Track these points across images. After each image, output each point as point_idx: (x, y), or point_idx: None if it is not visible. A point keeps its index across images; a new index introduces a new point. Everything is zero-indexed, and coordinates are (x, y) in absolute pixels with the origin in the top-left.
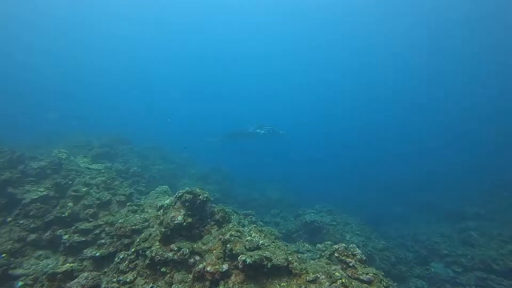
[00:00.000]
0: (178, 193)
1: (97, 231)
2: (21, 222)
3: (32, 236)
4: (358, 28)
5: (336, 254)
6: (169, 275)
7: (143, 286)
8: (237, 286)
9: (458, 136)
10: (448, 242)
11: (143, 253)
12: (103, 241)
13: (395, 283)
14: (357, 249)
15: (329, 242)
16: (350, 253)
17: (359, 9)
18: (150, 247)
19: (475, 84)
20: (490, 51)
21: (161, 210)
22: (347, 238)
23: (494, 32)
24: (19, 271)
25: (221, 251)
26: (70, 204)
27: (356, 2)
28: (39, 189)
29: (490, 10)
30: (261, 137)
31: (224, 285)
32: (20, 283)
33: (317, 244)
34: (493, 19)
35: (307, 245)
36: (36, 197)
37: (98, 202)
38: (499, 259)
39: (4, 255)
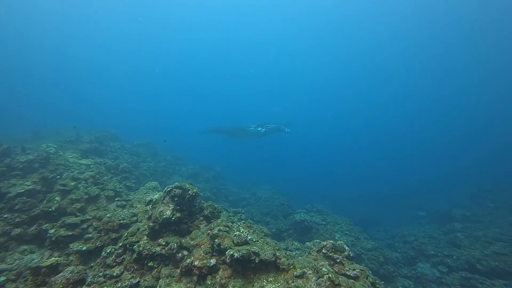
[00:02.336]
0: (168, 188)
1: (84, 226)
2: (5, 216)
3: (17, 231)
4: (361, 30)
5: (324, 251)
6: (156, 269)
7: (130, 280)
8: (224, 280)
9: (447, 141)
10: (435, 243)
11: (131, 247)
12: (90, 235)
13: (383, 282)
14: (344, 246)
15: (318, 240)
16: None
17: (362, 11)
18: (137, 242)
19: (468, 89)
20: (487, 57)
21: (150, 205)
22: (337, 238)
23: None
24: (1, 266)
25: (209, 246)
26: (57, 198)
27: (359, 4)
28: (26, 183)
29: (493, 12)
30: (262, 135)
31: (212, 279)
32: (2, 278)
33: (306, 243)
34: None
35: (296, 243)
36: (22, 191)
37: (86, 196)
38: (482, 260)
39: None
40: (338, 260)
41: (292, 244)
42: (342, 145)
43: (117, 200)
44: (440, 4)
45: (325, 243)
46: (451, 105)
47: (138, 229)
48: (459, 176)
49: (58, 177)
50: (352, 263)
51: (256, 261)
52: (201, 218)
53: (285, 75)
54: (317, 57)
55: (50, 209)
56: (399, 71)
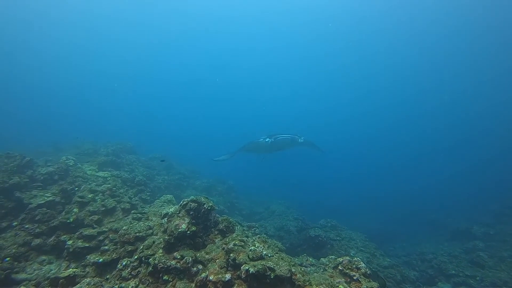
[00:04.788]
0: (183, 202)
1: (101, 238)
2: (26, 226)
3: (37, 241)
4: (366, 33)
5: (340, 267)
6: (171, 283)
7: None
8: None
9: (466, 153)
10: (455, 262)
11: (146, 260)
12: (106, 247)
13: None
14: (361, 262)
15: (333, 257)
16: (354, 266)
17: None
18: (153, 255)
19: (487, 91)
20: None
21: (165, 218)
22: (352, 254)
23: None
24: (22, 276)
25: (224, 260)
26: (76, 210)
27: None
28: (46, 194)
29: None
30: (270, 147)
31: None
32: None
33: (321, 259)
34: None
35: (310, 259)
36: (43, 202)
37: (103, 209)
38: (511, 282)
39: (8, 259)
40: (355, 278)
41: (307, 260)
42: (356, 158)
43: (133, 213)
44: (442, 8)
45: (341, 259)
46: (474, 115)
47: (154, 242)
48: (479, 191)
49: (76, 189)
50: (370, 281)
51: (272, 277)
52: (216, 232)
53: (292, 82)
54: (327, 63)
55: (68, 221)
56: (409, 78)
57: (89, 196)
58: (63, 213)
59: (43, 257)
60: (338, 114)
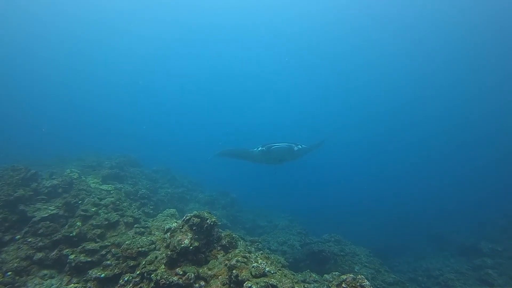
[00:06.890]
0: (186, 217)
1: (103, 252)
2: (29, 240)
3: (39, 255)
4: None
5: (343, 285)
6: None
7: None
8: None
9: (472, 166)
10: (463, 280)
11: (148, 276)
12: (108, 262)
13: None
14: (365, 280)
15: (337, 273)
16: (358, 284)
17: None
18: (155, 270)
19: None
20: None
21: (168, 233)
22: (356, 270)
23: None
24: None
25: (227, 276)
26: (79, 223)
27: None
28: (50, 207)
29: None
30: (262, 156)
31: None
32: None
33: (325, 275)
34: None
35: (314, 275)
36: (46, 215)
37: (106, 222)
38: None
39: (9, 273)
40: None
41: (310, 276)
42: (359, 166)
43: (136, 227)
44: (447, 9)
45: (345, 276)
46: (481, 125)
47: (156, 257)
48: (485, 204)
49: (80, 202)
50: None
51: None
52: (219, 247)
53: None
54: (321, 68)
55: (71, 234)
56: (410, 81)
57: (93, 209)
58: (66, 226)
59: (45, 272)
60: (340, 120)
